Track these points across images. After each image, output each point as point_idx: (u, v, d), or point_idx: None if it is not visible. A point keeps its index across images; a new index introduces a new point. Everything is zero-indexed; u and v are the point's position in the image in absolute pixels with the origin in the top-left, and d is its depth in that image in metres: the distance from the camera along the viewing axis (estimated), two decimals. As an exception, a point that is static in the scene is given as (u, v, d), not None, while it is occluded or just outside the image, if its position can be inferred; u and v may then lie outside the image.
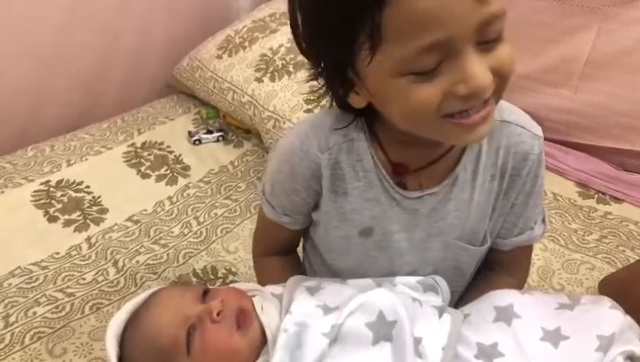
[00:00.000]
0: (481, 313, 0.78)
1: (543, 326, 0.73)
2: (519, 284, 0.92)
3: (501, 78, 0.60)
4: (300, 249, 0.98)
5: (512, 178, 0.78)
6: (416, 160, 0.75)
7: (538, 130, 0.78)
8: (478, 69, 0.57)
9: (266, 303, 0.75)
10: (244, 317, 0.71)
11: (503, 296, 0.79)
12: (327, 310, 0.72)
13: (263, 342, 0.71)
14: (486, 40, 0.58)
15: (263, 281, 0.91)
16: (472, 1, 0.55)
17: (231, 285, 0.85)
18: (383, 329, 0.70)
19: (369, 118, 0.75)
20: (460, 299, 0.90)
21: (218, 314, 0.70)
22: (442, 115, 0.61)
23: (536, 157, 0.77)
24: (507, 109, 0.77)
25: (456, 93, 0.58)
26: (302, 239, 0.95)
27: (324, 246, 0.85)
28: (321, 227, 0.83)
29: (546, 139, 1.50)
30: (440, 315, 0.75)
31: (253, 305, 0.74)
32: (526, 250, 0.89)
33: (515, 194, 0.80)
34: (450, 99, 0.59)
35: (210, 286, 0.81)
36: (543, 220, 0.86)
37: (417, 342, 0.70)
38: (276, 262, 0.93)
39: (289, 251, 0.95)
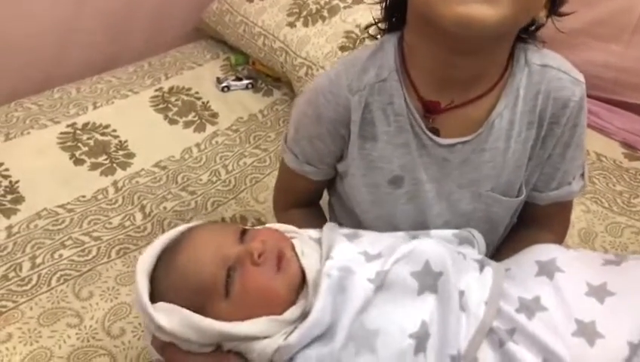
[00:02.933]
0: (522, 267, 0.74)
1: (588, 281, 0.69)
2: (557, 241, 0.87)
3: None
4: (324, 203, 0.94)
5: (550, 126, 0.74)
6: (449, 100, 0.71)
7: (580, 75, 0.74)
8: None
9: (305, 246, 0.71)
10: (286, 260, 0.67)
11: (545, 251, 0.75)
12: (368, 257, 0.69)
13: (302, 285, 0.67)
14: None
15: None
16: None
17: (267, 225, 0.80)
18: (429, 280, 0.66)
19: (402, 55, 0.71)
20: (495, 254, 0.86)
21: (259, 256, 0.66)
22: None
23: (577, 104, 0.73)
24: (548, 54, 0.73)
25: None
26: (326, 193, 0.91)
27: (352, 199, 0.81)
28: (347, 178, 0.79)
29: (590, 96, 1.43)
30: (481, 269, 0.72)
31: (293, 246, 0.70)
32: (564, 206, 0.85)
33: (552, 143, 0.75)
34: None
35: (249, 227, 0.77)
36: (582, 176, 0.81)
37: (460, 294, 0.67)
38: (299, 214, 0.89)
39: (312, 203, 0.91)
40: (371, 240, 0.73)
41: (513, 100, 0.72)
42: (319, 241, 0.73)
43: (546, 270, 0.71)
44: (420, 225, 0.79)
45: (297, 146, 0.81)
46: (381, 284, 0.65)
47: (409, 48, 0.72)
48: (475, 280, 0.69)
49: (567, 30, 1.47)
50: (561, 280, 0.69)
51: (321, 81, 0.74)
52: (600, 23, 1.46)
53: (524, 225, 0.87)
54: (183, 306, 0.65)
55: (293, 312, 0.64)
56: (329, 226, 0.78)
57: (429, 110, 0.72)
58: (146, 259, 0.71)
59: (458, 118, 0.72)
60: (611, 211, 1.21)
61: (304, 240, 0.73)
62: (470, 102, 0.71)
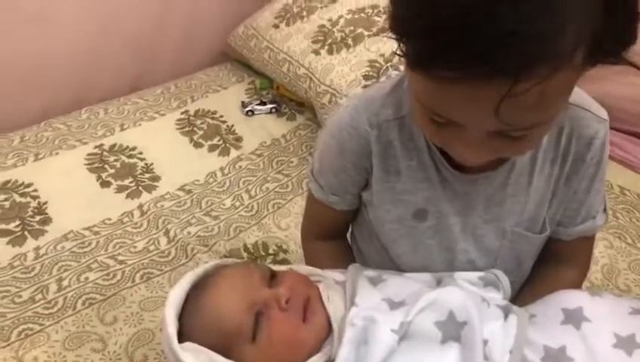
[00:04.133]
0: (547, 314, 0.74)
1: (616, 332, 0.69)
2: (581, 277, 0.87)
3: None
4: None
5: (574, 163, 0.74)
6: None
7: (603, 113, 0.73)
8: (472, 153, 0.59)
9: (330, 292, 0.72)
10: (312, 306, 0.69)
11: (571, 297, 0.75)
12: (392, 304, 0.69)
13: (327, 332, 0.68)
14: (504, 132, 0.56)
15: (314, 267, 0.89)
16: (494, 117, 0.51)
17: (291, 267, 0.82)
18: (453, 330, 0.66)
19: None
20: (519, 292, 0.86)
21: (287, 302, 0.68)
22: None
23: (601, 142, 0.73)
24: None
25: (451, 151, 0.62)
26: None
27: (378, 231, 0.82)
28: (372, 209, 0.80)
29: (613, 128, 1.42)
30: (506, 316, 0.72)
31: (319, 293, 0.71)
32: (588, 241, 0.85)
33: (578, 180, 0.75)
34: (447, 147, 0.62)
35: (276, 268, 0.79)
36: (605, 209, 0.81)
37: (484, 343, 0.67)
38: (325, 247, 0.90)
39: (338, 236, 0.92)
40: (395, 286, 0.73)
41: None
42: (344, 285, 0.74)
43: (573, 319, 0.71)
44: (446, 261, 0.79)
45: (322, 178, 0.83)
46: (405, 335, 0.65)
47: None
48: (499, 328, 0.69)
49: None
50: (588, 330, 0.69)
51: (342, 115, 0.76)
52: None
53: (545, 262, 0.86)
54: (209, 347, 0.66)
55: (317, 361, 0.65)
56: (354, 268, 0.78)
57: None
58: (175, 297, 0.72)
59: None
60: (635, 247, 1.20)
61: (329, 284, 0.74)
62: None
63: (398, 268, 0.81)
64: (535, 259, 0.85)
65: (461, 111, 0.54)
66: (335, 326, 0.67)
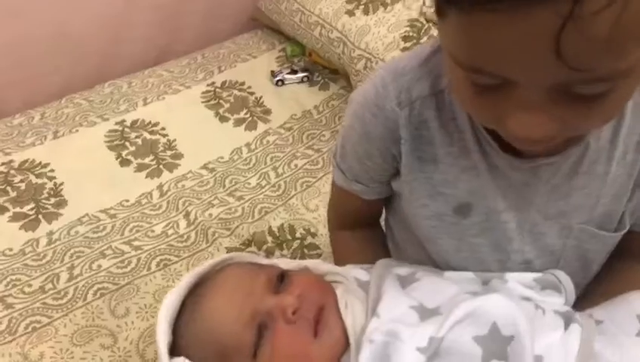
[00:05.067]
0: (618, 322, 0.60)
1: None
2: None
3: (574, 133, 0.49)
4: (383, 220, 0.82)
5: None
6: None
7: None
8: (531, 125, 0.44)
9: (350, 298, 0.61)
10: (326, 317, 0.58)
11: None
12: (423, 313, 0.57)
13: (344, 347, 0.57)
14: (574, 93, 0.42)
15: (340, 260, 0.77)
16: (555, 58, 0.38)
17: (308, 263, 0.70)
18: (496, 346, 0.54)
19: None
20: (584, 295, 0.71)
21: (294, 313, 0.57)
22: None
23: None
24: None
25: (504, 126, 0.46)
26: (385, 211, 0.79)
27: (414, 226, 0.68)
28: (405, 202, 0.67)
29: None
30: (567, 325, 0.59)
31: (336, 300, 0.60)
32: None
33: None
34: (501, 123, 0.47)
35: (288, 268, 0.67)
36: None
37: (537, 360, 0.55)
38: (354, 236, 0.78)
39: (369, 223, 0.79)
40: (430, 288, 0.61)
41: (617, 116, 0.57)
42: (367, 286, 0.62)
43: None
44: (497, 262, 0.66)
45: (345, 163, 0.70)
46: (435, 353, 0.53)
47: None
48: (557, 340, 0.56)
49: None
50: None
51: (367, 91, 0.62)
52: None
53: (618, 256, 0.70)
54: None
55: None
56: (383, 263, 0.67)
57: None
58: (169, 304, 0.63)
59: None
60: None
61: (349, 287, 0.62)
62: None
63: (439, 267, 0.68)
64: (606, 258, 0.70)
65: (510, 56, 0.40)
66: (352, 340, 0.56)
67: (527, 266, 0.65)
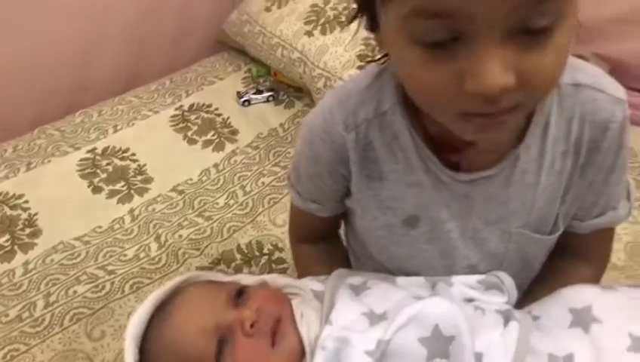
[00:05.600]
0: (553, 316, 0.65)
1: (631, 332, 0.60)
2: (598, 274, 0.78)
3: (531, 91, 0.47)
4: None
5: (589, 152, 0.63)
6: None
7: (620, 91, 0.62)
8: (492, 67, 0.44)
9: (306, 309, 0.65)
10: (283, 328, 0.62)
11: (580, 295, 0.65)
12: (373, 318, 0.62)
13: (301, 353, 0.62)
14: (526, 29, 0.44)
15: (301, 271, 0.82)
16: None
17: (267, 278, 0.75)
18: (439, 346, 0.59)
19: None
20: (527, 291, 0.77)
21: (252, 326, 0.61)
22: (455, 112, 0.49)
23: (619, 126, 0.61)
24: (579, 69, 0.62)
25: (464, 87, 0.45)
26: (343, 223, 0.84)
27: (366, 237, 0.74)
28: (357, 216, 0.72)
29: (633, 89, 1.29)
30: (506, 322, 0.64)
31: (292, 311, 0.65)
32: (607, 234, 0.74)
33: (593, 170, 0.65)
34: (459, 96, 0.46)
35: (248, 283, 0.72)
36: (629, 196, 0.70)
37: (478, 357, 0.60)
38: (313, 249, 0.83)
39: (328, 236, 0.84)
40: (379, 295, 0.66)
41: (542, 129, 0.62)
42: (322, 296, 0.67)
43: (581, 320, 0.62)
44: (445, 267, 0.71)
45: (300, 184, 0.75)
46: (383, 355, 0.58)
47: None
48: (498, 337, 0.61)
49: (609, 19, 1.36)
50: (598, 333, 0.60)
51: (315, 117, 0.67)
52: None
53: (559, 254, 0.76)
54: None
55: None
56: (337, 274, 0.72)
57: (440, 148, 0.63)
58: (136, 323, 0.67)
59: (479, 149, 0.63)
60: (662, 221, 1.10)
61: (305, 298, 0.67)
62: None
63: (393, 274, 0.73)
64: (546, 257, 0.75)
65: None
66: (308, 349, 0.60)
67: (472, 270, 0.70)
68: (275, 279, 0.75)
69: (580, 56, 0.63)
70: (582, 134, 0.62)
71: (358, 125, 0.64)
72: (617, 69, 1.30)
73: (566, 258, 0.76)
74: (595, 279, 0.76)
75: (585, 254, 0.75)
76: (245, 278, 0.76)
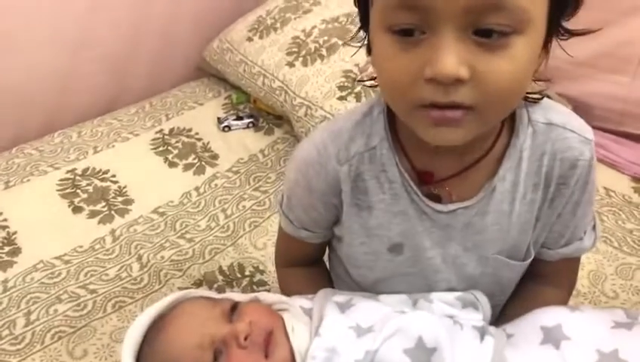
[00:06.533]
0: (525, 333, 0.70)
1: (598, 349, 0.65)
2: (566, 297, 0.84)
3: (483, 94, 0.53)
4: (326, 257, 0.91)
5: (558, 187, 0.69)
6: (444, 168, 0.68)
7: (588, 132, 0.69)
8: (447, 56, 0.51)
9: (296, 323, 0.69)
10: (275, 341, 0.66)
11: (550, 315, 0.71)
12: (359, 332, 0.66)
13: None
14: (481, 29, 0.51)
15: (287, 294, 0.85)
16: None
17: (258, 295, 0.78)
18: (422, 357, 0.63)
19: (392, 121, 0.69)
20: (502, 312, 0.82)
21: (245, 339, 0.64)
22: (415, 102, 0.55)
23: (587, 164, 0.68)
24: (552, 109, 0.68)
25: (423, 74, 0.53)
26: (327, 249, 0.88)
27: (351, 262, 0.78)
28: (345, 243, 0.77)
29: (597, 128, 1.39)
30: (482, 337, 0.69)
31: (284, 324, 0.68)
32: (573, 262, 0.81)
33: (562, 203, 0.71)
34: (418, 83, 0.53)
35: (240, 300, 0.75)
36: (594, 228, 0.77)
37: None
38: (300, 273, 0.87)
39: (313, 262, 0.88)
40: (365, 311, 0.70)
41: (516, 162, 0.68)
42: (311, 313, 0.70)
43: (552, 337, 0.67)
44: (426, 288, 0.76)
45: (292, 213, 0.79)
46: None
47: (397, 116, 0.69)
48: (473, 351, 0.66)
49: (572, 62, 1.45)
50: (568, 349, 0.66)
51: (309, 150, 0.72)
52: (605, 54, 1.43)
53: (531, 279, 0.82)
54: None
55: None
56: (324, 292, 0.75)
57: (423, 181, 0.69)
58: (132, 335, 0.69)
59: (458, 182, 0.69)
60: (621, 251, 1.17)
61: (295, 314, 0.71)
62: (468, 168, 0.68)
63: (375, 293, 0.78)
64: (518, 281, 0.81)
65: None
66: (299, 360, 0.64)
67: (451, 291, 0.75)
68: (265, 296, 0.78)
69: (545, 95, 0.70)
70: (552, 169, 0.68)
71: (350, 158, 0.69)
72: (579, 109, 1.39)
73: (537, 282, 0.82)
74: (563, 302, 0.82)
75: (553, 279, 0.81)
76: (237, 296, 0.79)
